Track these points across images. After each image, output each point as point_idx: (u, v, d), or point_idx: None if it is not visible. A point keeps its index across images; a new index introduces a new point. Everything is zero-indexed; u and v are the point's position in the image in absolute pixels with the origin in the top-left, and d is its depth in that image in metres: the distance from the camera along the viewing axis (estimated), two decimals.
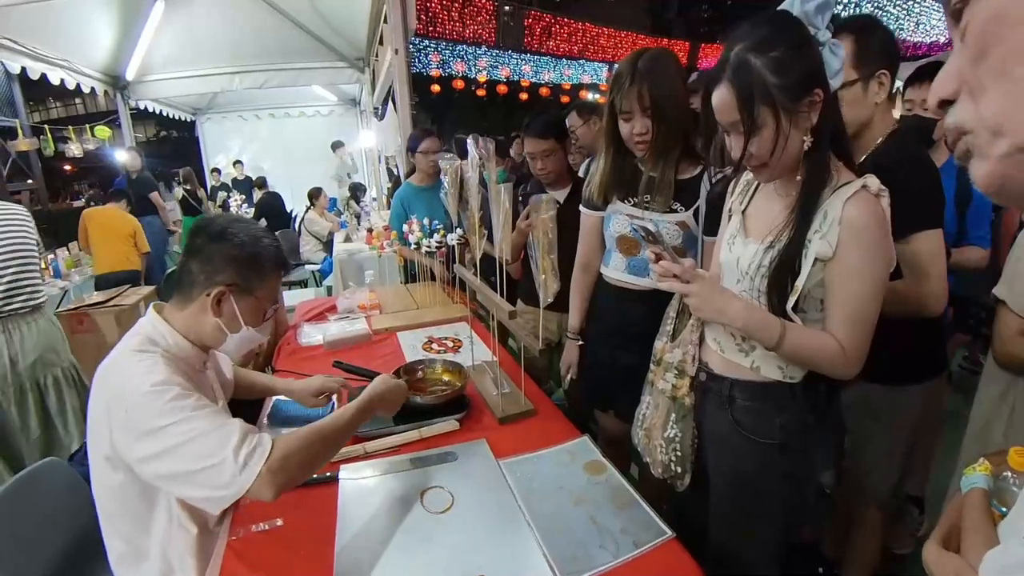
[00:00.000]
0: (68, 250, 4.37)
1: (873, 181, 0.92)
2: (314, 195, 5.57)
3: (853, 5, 8.28)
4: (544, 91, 11.93)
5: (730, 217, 1.13)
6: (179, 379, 0.96)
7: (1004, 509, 0.68)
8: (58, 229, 7.06)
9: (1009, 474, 0.71)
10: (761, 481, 1.06)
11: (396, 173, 5.90)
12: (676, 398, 1.15)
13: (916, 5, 8.32)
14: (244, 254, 1.06)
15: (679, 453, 1.15)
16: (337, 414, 1.06)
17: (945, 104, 0.37)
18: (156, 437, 0.89)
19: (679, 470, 1.16)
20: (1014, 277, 1.18)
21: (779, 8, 0.94)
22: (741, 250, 1.04)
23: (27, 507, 1.14)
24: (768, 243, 0.98)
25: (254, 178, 7.66)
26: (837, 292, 0.93)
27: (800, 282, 0.94)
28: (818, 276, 0.94)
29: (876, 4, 8.33)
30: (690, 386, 1.14)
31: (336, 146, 7.43)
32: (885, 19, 8.35)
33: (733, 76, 0.90)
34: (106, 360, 1.01)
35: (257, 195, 7.00)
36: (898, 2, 8.33)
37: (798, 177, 0.96)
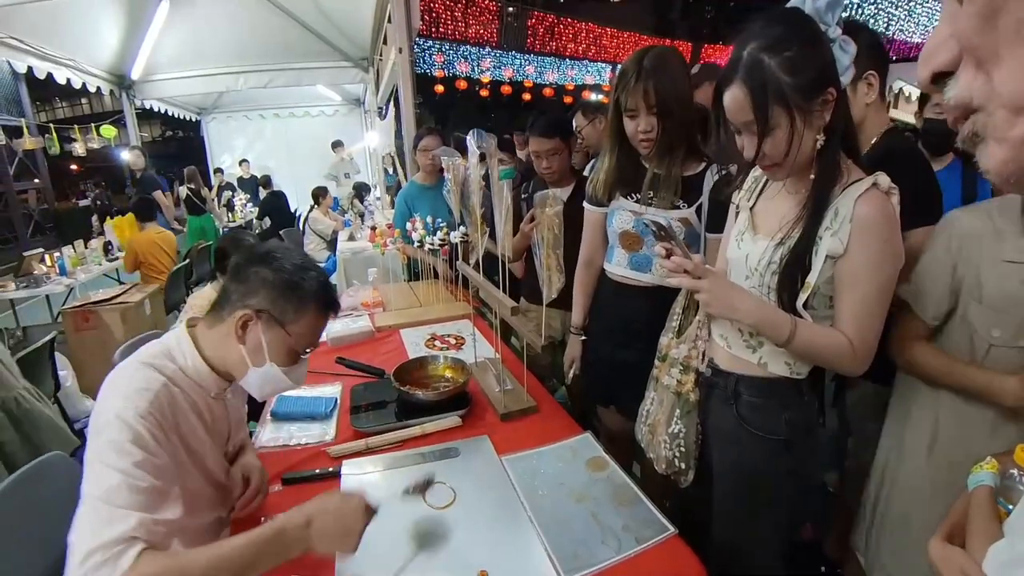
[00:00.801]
0: (73, 248, 4.39)
1: (884, 179, 0.92)
2: (319, 194, 5.59)
3: (855, 6, 8.26)
4: (548, 91, 11.94)
5: (737, 214, 1.13)
6: (148, 425, 0.84)
7: (1010, 507, 0.68)
8: (64, 228, 7.10)
9: (1015, 472, 0.71)
10: (765, 478, 1.05)
11: (392, 173, 5.91)
12: (681, 394, 1.14)
13: (917, 6, 8.30)
14: (281, 280, 0.97)
15: (683, 449, 1.15)
16: (242, 549, 0.78)
17: (940, 77, 0.31)
18: (85, 468, 0.80)
19: (683, 466, 1.16)
20: (922, 278, 1.07)
21: (789, 5, 0.93)
22: (750, 247, 1.04)
23: (32, 501, 1.14)
24: (778, 240, 0.98)
25: (259, 177, 7.69)
26: (847, 289, 0.93)
27: (811, 279, 0.94)
28: (828, 273, 0.94)
29: (877, 5, 8.31)
30: (695, 382, 1.14)
31: (336, 145, 7.45)
32: (887, 19, 8.33)
33: (746, 76, 0.89)
34: (123, 361, 0.98)
35: (262, 194, 7.02)
36: (899, 3, 8.31)
37: (810, 176, 0.95)
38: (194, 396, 0.98)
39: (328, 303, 1.03)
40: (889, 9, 8.28)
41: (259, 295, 0.97)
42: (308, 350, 1.05)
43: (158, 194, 5.47)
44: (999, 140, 0.29)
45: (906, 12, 8.33)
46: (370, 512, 0.88)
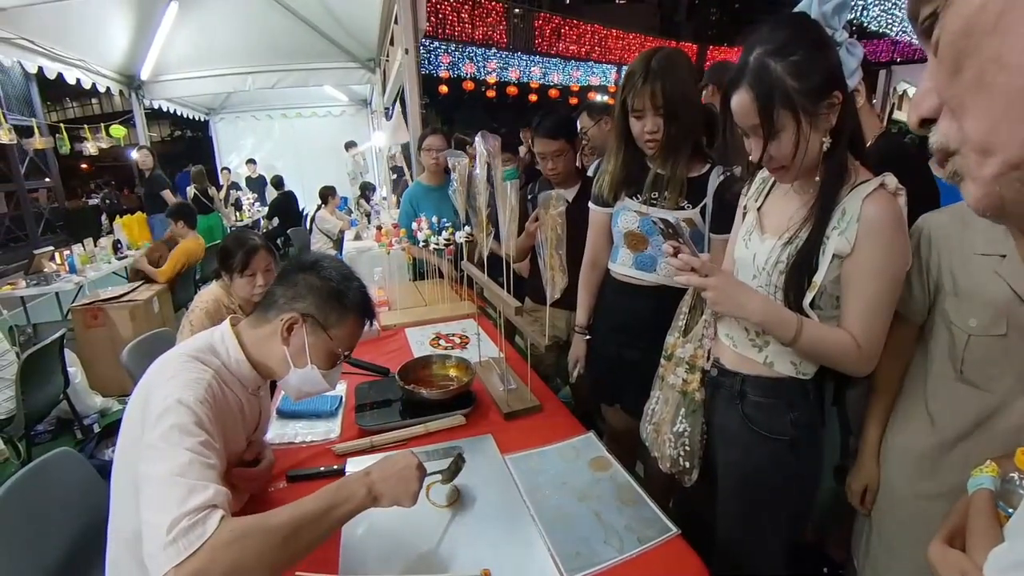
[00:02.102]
0: (83, 246, 4.43)
1: (891, 180, 0.92)
2: (327, 194, 5.62)
3: (861, 7, 8.24)
4: (553, 92, 11.95)
5: (745, 214, 1.13)
6: (206, 410, 0.88)
7: (1010, 510, 0.67)
8: (74, 226, 7.17)
9: (1016, 475, 0.71)
10: (770, 477, 1.05)
11: (400, 172, 5.94)
12: (686, 393, 1.15)
13: None
14: (328, 288, 1.03)
15: (688, 448, 1.15)
16: (313, 501, 0.83)
17: (926, 123, 0.35)
18: (145, 451, 0.82)
19: (687, 465, 1.16)
20: (909, 279, 1.04)
21: (796, 10, 0.94)
22: (757, 246, 1.04)
23: (40, 495, 1.15)
24: (786, 239, 0.99)
25: (268, 177, 7.74)
26: (854, 288, 0.93)
27: (818, 278, 0.94)
28: (835, 272, 0.94)
29: (883, 7, 8.28)
30: (701, 381, 1.14)
31: (349, 146, 7.51)
32: (893, 21, 8.30)
33: (753, 81, 0.90)
34: (165, 354, 1.01)
35: (274, 195, 7.06)
36: (904, 5, 8.27)
37: (817, 177, 0.96)
38: (234, 390, 1.02)
39: (367, 311, 1.09)
40: (894, 11, 8.25)
41: (306, 300, 1.02)
42: (346, 355, 1.09)
43: (166, 193, 5.52)
44: (973, 179, 0.33)
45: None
46: (422, 469, 0.95)
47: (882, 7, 8.26)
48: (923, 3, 0.33)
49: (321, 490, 0.85)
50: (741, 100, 0.92)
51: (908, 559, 1.07)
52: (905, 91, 5.64)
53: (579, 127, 2.37)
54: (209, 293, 1.92)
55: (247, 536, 0.74)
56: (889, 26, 8.35)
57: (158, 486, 0.77)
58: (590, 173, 2.16)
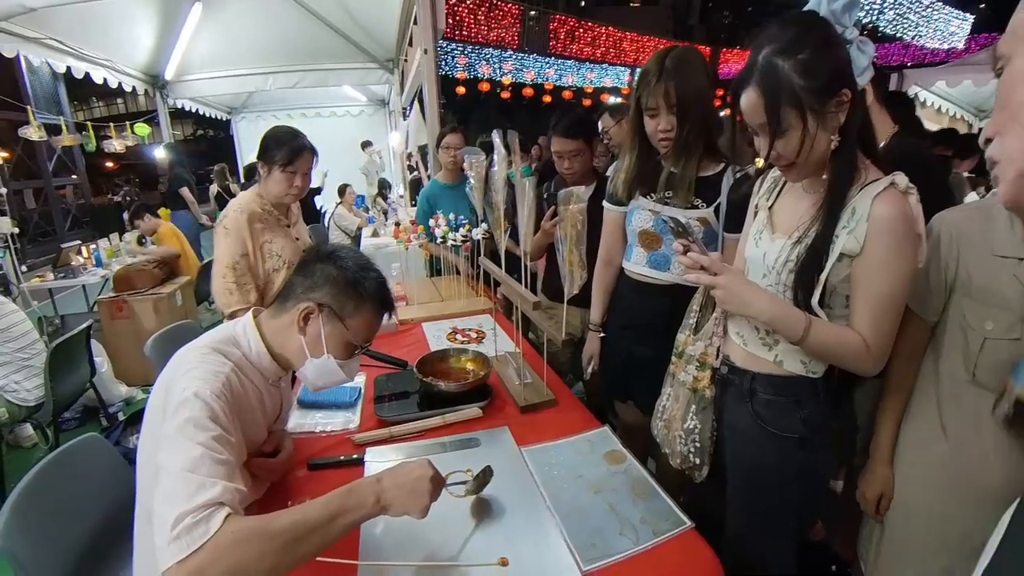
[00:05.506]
0: (109, 240, 4.55)
1: (901, 179, 0.92)
2: (341, 191, 5.70)
3: (876, 12, 8.16)
4: (567, 94, 11.95)
5: (756, 213, 1.14)
6: (222, 404, 0.89)
7: None
8: (100, 221, 7.35)
9: None
10: (779, 475, 1.06)
11: (416, 171, 5.99)
12: (696, 390, 1.16)
13: (935, 13, 8.18)
14: (344, 277, 1.03)
15: (698, 444, 1.16)
16: (321, 508, 0.81)
17: (988, 141, 0.51)
18: (162, 442, 0.83)
19: (697, 461, 1.17)
20: (919, 278, 1.03)
21: (806, 8, 0.94)
22: (767, 245, 1.05)
23: (68, 478, 1.18)
24: (795, 238, 0.99)
25: None
26: (863, 288, 0.93)
27: (824, 277, 0.94)
28: (844, 272, 0.94)
29: (896, 11, 8.20)
30: (711, 378, 1.15)
31: (365, 145, 7.60)
32: (905, 26, 8.20)
33: (760, 79, 0.91)
34: (188, 344, 1.03)
35: None
36: (917, 9, 8.19)
37: (825, 175, 0.96)
38: (255, 381, 1.04)
39: (384, 302, 1.08)
40: (908, 15, 8.17)
41: (322, 290, 1.02)
42: (363, 346, 1.09)
43: (184, 191, 5.63)
44: (1003, 181, 0.49)
45: (924, 19, 8.21)
46: (438, 480, 0.92)
47: (896, 11, 8.18)
48: (997, 59, 0.51)
49: (330, 494, 0.84)
50: (749, 99, 0.93)
51: (921, 566, 1.07)
52: (916, 95, 5.50)
53: (600, 127, 2.38)
54: (242, 202, 1.86)
55: (249, 540, 0.74)
56: (903, 30, 8.26)
57: (170, 479, 0.78)
58: (608, 173, 2.18)
